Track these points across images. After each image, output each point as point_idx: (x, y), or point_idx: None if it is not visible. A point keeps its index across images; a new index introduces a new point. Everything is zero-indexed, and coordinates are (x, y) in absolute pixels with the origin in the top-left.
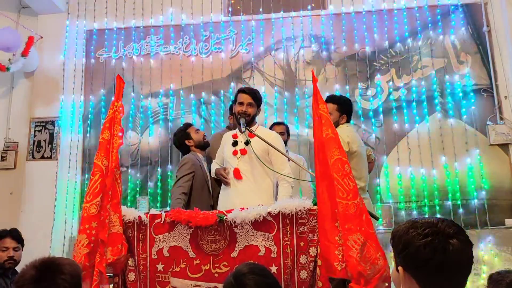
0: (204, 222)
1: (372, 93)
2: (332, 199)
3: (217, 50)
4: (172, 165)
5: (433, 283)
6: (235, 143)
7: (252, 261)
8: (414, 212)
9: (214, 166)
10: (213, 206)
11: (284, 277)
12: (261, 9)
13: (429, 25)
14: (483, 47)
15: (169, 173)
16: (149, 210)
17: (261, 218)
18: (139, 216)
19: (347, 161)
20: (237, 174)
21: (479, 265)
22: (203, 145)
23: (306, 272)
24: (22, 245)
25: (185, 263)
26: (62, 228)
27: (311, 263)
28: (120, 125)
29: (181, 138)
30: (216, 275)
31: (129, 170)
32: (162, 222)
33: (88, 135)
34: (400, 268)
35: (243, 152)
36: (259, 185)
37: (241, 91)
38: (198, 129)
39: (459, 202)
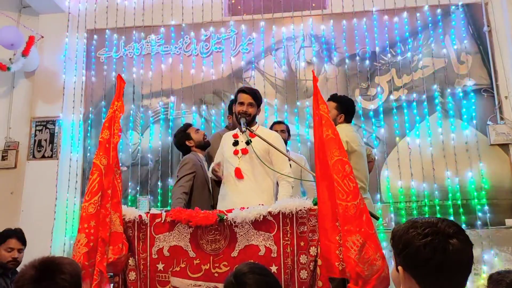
0: (204, 222)
1: (373, 93)
2: (332, 199)
3: (218, 50)
4: (173, 165)
5: (433, 283)
6: (236, 143)
7: (252, 260)
8: (414, 212)
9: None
10: (214, 206)
11: (284, 277)
12: (261, 9)
13: (430, 25)
14: (484, 47)
15: (169, 173)
16: (149, 209)
17: (261, 217)
18: (140, 216)
19: (347, 161)
20: (238, 173)
21: (479, 265)
22: (204, 145)
23: (306, 272)
24: (25, 246)
25: (185, 263)
26: (63, 228)
27: (311, 263)
28: (119, 124)
29: (181, 139)
30: (216, 274)
31: (130, 170)
32: (162, 221)
33: (88, 134)
34: (400, 267)
35: (244, 151)
36: (259, 184)
37: (241, 91)
38: (198, 129)
39: (459, 202)
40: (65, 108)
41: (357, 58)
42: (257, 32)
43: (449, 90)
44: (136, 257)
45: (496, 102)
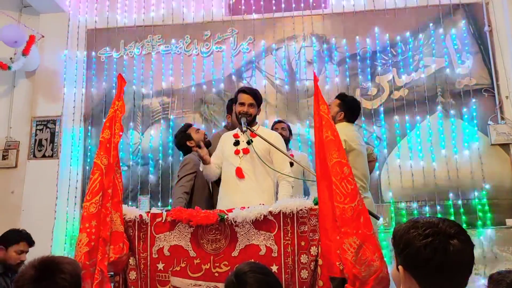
0: (205, 221)
1: (373, 92)
2: (332, 199)
3: (218, 50)
4: (173, 164)
5: (433, 283)
6: (237, 143)
7: (253, 260)
8: (415, 212)
9: None
10: (214, 206)
11: (285, 276)
12: (262, 9)
13: (430, 24)
14: (484, 46)
15: (170, 172)
16: (150, 209)
17: (262, 217)
18: (140, 215)
19: (346, 163)
20: (240, 173)
21: (479, 265)
22: (205, 145)
23: (307, 271)
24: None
25: (185, 262)
26: (63, 227)
27: (312, 263)
28: (120, 124)
29: (182, 140)
30: (216, 274)
31: (130, 169)
32: (163, 221)
33: (89, 134)
34: (400, 267)
35: (246, 151)
36: (260, 184)
37: (242, 91)
38: (198, 129)
39: (460, 202)
40: (66, 108)
41: (358, 57)
42: (257, 32)
43: (449, 90)
44: (137, 256)
45: (497, 102)
